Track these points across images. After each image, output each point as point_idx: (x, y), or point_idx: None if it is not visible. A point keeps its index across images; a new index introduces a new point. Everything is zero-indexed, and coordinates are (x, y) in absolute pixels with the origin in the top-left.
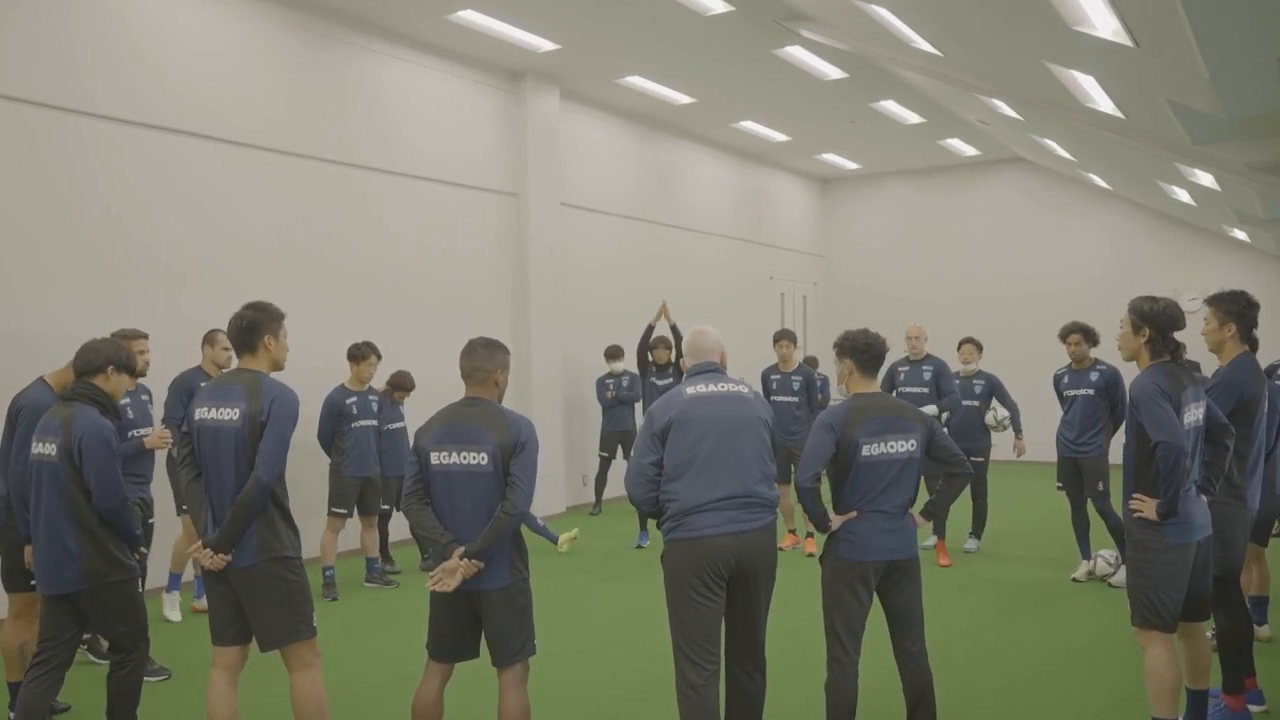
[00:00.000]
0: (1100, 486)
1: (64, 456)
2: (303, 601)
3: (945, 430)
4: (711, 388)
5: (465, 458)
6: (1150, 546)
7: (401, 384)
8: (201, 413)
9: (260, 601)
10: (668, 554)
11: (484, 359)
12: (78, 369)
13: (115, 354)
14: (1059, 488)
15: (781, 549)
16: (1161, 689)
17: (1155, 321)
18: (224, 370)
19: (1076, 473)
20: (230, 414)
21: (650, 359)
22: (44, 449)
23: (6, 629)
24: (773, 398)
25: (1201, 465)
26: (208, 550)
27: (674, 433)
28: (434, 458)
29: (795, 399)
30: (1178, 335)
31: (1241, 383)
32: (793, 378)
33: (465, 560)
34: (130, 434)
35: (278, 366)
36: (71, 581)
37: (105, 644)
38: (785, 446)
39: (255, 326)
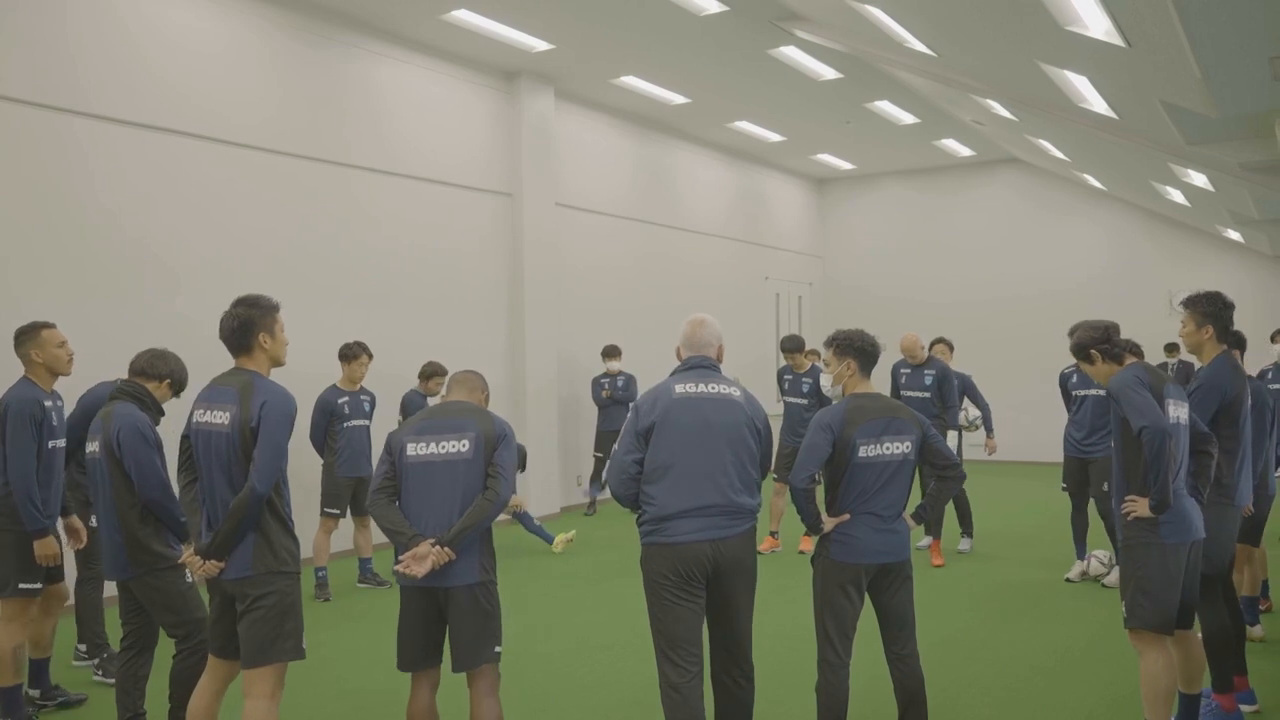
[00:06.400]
0: (1106, 487)
1: (105, 451)
2: (291, 619)
3: (958, 433)
4: (701, 388)
5: (445, 447)
6: (1148, 547)
7: (436, 372)
8: (197, 415)
9: (248, 615)
10: (644, 557)
11: (477, 378)
12: (133, 369)
13: (179, 373)
14: (1064, 488)
15: (760, 552)
16: (1157, 695)
17: (1087, 342)
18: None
19: (1083, 473)
20: (222, 418)
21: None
22: (92, 446)
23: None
24: (785, 398)
25: (1188, 474)
26: (197, 558)
27: (657, 434)
28: (411, 449)
29: (805, 400)
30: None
31: (1223, 383)
32: (803, 379)
33: (437, 548)
34: None
35: (278, 363)
36: (123, 569)
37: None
38: (793, 446)
39: (249, 325)
